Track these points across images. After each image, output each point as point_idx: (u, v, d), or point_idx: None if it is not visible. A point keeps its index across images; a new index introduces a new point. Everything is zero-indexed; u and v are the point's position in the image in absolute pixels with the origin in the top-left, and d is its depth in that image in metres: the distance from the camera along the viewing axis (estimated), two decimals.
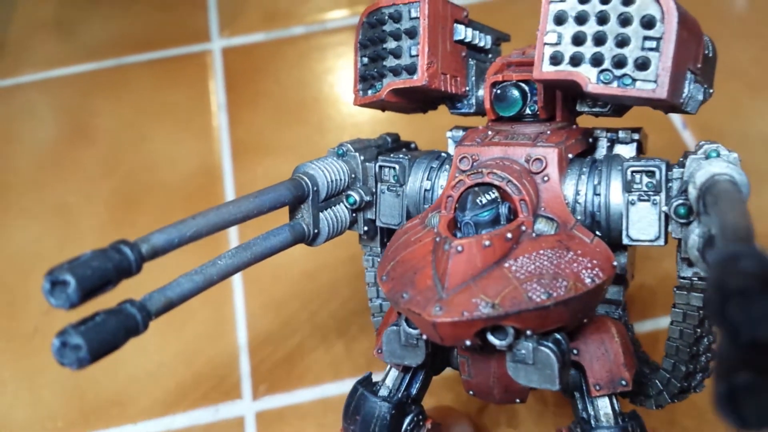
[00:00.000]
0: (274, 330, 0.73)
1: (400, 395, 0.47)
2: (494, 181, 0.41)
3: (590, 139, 0.47)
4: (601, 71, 0.40)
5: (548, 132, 0.45)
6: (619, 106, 0.45)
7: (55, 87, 0.96)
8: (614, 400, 0.44)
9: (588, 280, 0.38)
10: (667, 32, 0.38)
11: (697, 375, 0.47)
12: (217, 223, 0.42)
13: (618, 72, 0.40)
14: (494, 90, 0.48)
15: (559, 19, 0.40)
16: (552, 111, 0.47)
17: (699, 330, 0.44)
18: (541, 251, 0.39)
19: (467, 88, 0.50)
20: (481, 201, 0.42)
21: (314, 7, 1.01)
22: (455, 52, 0.49)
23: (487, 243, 0.39)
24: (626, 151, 0.48)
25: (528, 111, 0.47)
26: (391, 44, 0.47)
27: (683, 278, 0.42)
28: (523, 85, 0.47)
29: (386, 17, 0.47)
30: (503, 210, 0.41)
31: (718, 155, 0.39)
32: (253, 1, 1.02)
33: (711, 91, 0.44)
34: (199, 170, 0.85)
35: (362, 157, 0.50)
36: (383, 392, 0.48)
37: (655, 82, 0.39)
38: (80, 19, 1.03)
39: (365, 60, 0.49)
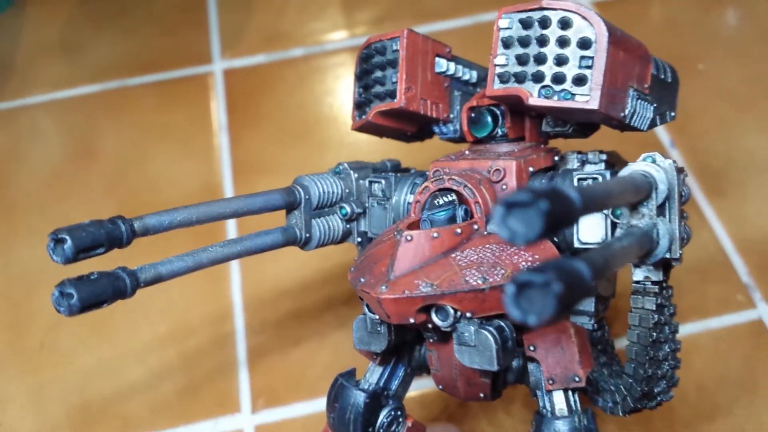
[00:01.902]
0: (273, 344, 0.75)
1: (377, 387, 0.51)
2: (453, 185, 0.47)
3: (556, 157, 0.50)
4: (543, 87, 0.45)
5: (516, 149, 0.50)
6: (581, 126, 0.50)
7: (60, 108, 0.99)
8: (570, 396, 0.47)
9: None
10: (599, 51, 0.43)
11: (661, 382, 0.48)
12: (207, 214, 0.48)
13: (557, 87, 0.44)
14: (470, 114, 0.53)
15: (506, 43, 0.46)
16: (520, 131, 0.52)
17: (655, 333, 0.46)
18: (488, 245, 0.44)
19: (452, 115, 0.56)
20: (438, 202, 0.47)
21: (313, 30, 1.04)
22: (437, 82, 0.54)
23: (435, 235, 0.44)
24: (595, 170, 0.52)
25: (500, 132, 0.52)
26: (378, 74, 0.53)
27: (636, 282, 0.46)
28: (495, 109, 0.51)
29: (374, 51, 0.54)
30: (459, 211, 0.47)
31: (654, 161, 0.42)
32: (253, 23, 1.05)
33: (672, 114, 0.49)
34: (201, 189, 0.87)
35: (356, 175, 0.56)
36: (362, 384, 0.51)
37: (589, 95, 0.43)
38: (85, 42, 1.05)
39: (360, 90, 0.56)
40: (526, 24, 0.45)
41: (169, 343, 0.76)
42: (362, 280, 0.45)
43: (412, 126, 0.57)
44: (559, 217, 0.25)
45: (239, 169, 0.89)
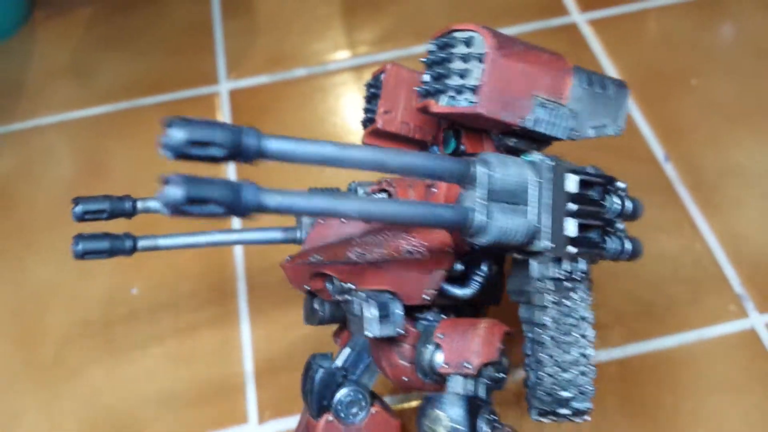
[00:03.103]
0: (280, 358, 0.77)
1: (336, 367, 0.55)
2: (386, 186, 0.53)
3: None
4: (449, 97, 0.49)
5: None
6: (523, 138, 0.53)
7: (71, 129, 1.02)
8: (468, 384, 0.49)
9: (405, 252, 0.48)
10: (488, 63, 0.48)
11: (570, 387, 0.50)
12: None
13: (459, 97, 0.49)
14: (443, 133, 0.58)
15: (428, 65, 0.51)
16: (479, 147, 0.56)
17: (552, 334, 0.49)
18: (385, 233, 0.50)
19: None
20: None
21: (316, 50, 1.06)
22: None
23: (343, 220, 0.53)
24: None
25: (462, 148, 0.56)
26: (372, 103, 0.59)
27: (537, 279, 0.49)
28: (458, 127, 0.56)
29: (370, 84, 0.60)
30: None
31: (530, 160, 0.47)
32: (258, 45, 1.08)
33: (617, 128, 0.53)
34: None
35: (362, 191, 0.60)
36: (327, 364, 0.55)
37: (478, 102, 0.48)
38: (95, 65, 1.08)
39: (364, 116, 0.62)
40: (441, 46, 0.50)
41: (179, 359, 0.78)
42: (288, 258, 0.55)
43: (413, 146, 0.60)
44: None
45: None
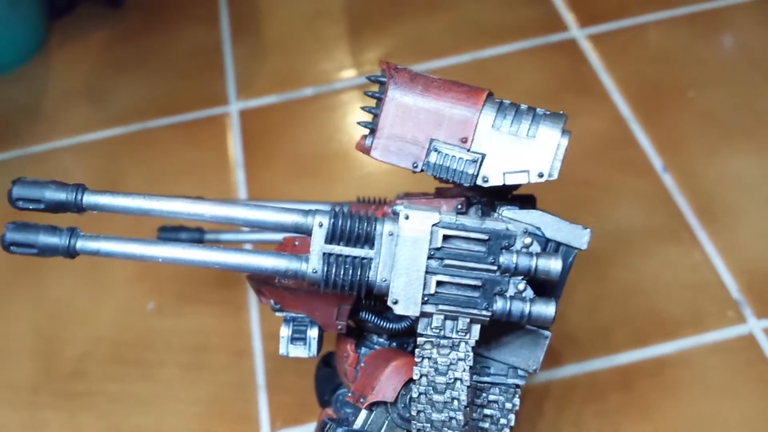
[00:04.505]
0: (291, 370, 0.80)
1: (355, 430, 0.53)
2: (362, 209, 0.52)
3: (459, 206, 0.51)
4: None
5: (440, 198, 0.53)
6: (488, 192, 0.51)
7: (86, 150, 1.05)
8: (371, 416, 0.51)
9: (306, 285, 0.49)
10: (381, 107, 0.48)
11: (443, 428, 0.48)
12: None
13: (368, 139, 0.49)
14: None
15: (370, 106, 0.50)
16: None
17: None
18: None
19: None
20: None
21: (323, 71, 1.10)
22: None
23: (296, 243, 0.54)
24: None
25: None
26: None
27: None
28: None
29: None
30: None
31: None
32: (266, 66, 1.11)
33: (523, 170, 0.47)
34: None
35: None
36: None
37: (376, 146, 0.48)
38: (109, 88, 1.12)
39: None
40: (373, 82, 0.50)
41: (193, 370, 0.81)
42: None
43: None
44: None
45: None
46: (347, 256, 0.44)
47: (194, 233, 0.74)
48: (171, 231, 0.74)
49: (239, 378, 0.80)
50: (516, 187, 0.54)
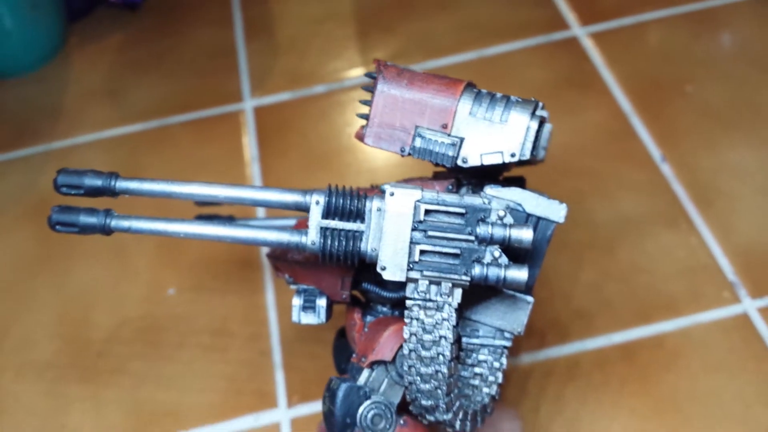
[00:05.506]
0: (306, 348, 0.83)
1: (359, 385, 0.56)
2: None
3: (449, 186, 0.55)
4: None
5: (435, 180, 0.57)
6: (473, 174, 0.56)
7: (107, 146, 1.09)
8: (372, 374, 0.55)
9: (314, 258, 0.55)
10: (375, 96, 0.52)
11: (423, 401, 0.52)
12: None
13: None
14: None
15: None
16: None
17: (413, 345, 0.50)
18: None
19: None
20: None
21: (334, 69, 1.14)
22: None
23: None
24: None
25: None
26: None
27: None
28: None
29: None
30: None
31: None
32: (279, 65, 1.16)
33: (513, 155, 0.50)
34: (236, 214, 0.97)
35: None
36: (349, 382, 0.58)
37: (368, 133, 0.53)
38: (127, 87, 1.16)
39: None
40: (370, 77, 0.54)
41: (212, 351, 0.84)
42: None
43: None
44: None
45: None
46: (341, 230, 0.49)
47: (225, 221, 0.78)
48: (206, 219, 0.78)
49: (256, 358, 0.83)
50: (507, 169, 0.60)
